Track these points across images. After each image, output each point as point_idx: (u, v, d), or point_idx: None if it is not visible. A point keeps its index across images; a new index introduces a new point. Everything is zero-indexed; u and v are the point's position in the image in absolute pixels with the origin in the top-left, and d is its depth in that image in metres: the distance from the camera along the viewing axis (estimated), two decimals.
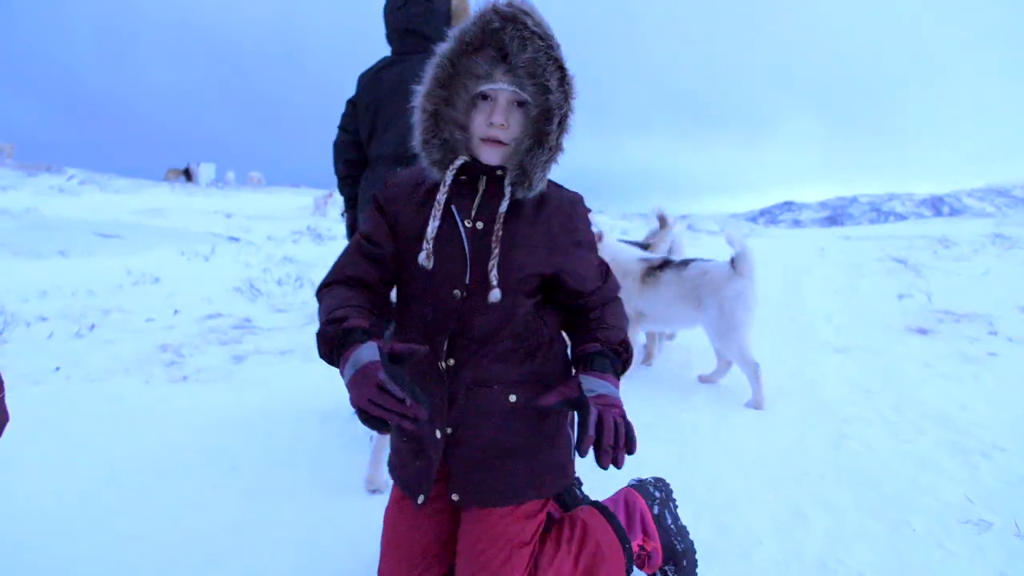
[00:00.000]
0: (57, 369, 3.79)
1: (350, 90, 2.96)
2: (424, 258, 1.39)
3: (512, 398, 1.47)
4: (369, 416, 1.17)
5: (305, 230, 11.99)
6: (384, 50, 2.95)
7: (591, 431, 1.27)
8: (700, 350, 4.27)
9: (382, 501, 2.25)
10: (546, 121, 1.39)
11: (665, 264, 3.69)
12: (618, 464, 1.26)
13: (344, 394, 3.33)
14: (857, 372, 3.78)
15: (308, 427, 2.99)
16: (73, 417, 3.06)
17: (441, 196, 1.41)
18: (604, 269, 1.60)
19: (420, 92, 1.44)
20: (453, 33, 1.40)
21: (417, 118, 1.45)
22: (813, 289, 6.45)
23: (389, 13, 2.82)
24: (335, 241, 10.35)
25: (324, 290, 1.46)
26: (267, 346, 4.35)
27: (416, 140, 1.45)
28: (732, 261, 3.45)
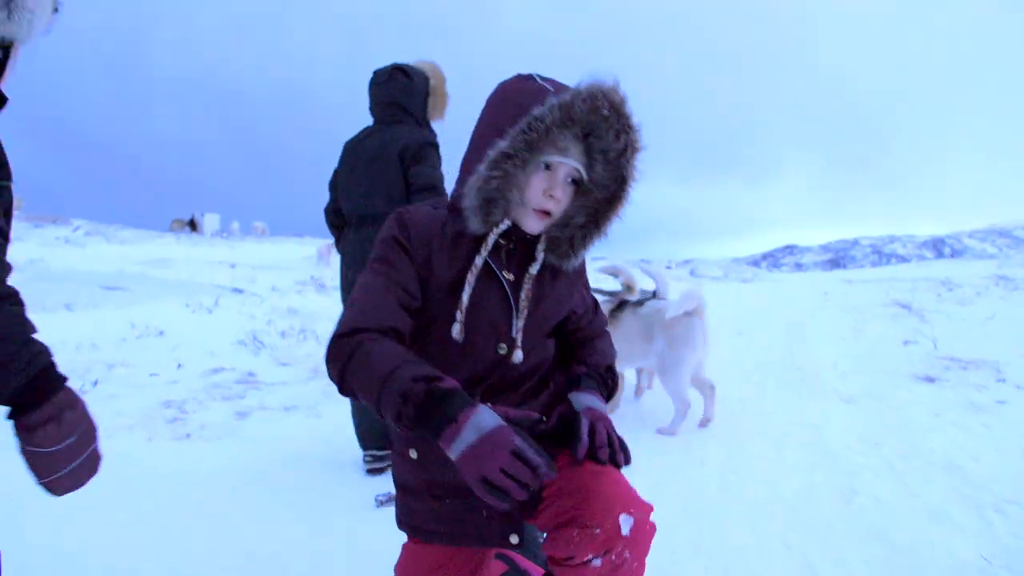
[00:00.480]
0: None
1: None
2: (457, 332, 1.37)
3: None
4: (494, 487, 1.07)
5: (309, 280, 12.07)
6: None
7: (584, 437, 1.31)
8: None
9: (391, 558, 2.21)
10: (610, 206, 1.42)
11: (623, 304, 3.97)
12: (618, 463, 1.31)
13: (350, 450, 3.33)
14: (864, 421, 3.75)
15: (312, 485, 2.96)
16: None
17: (480, 259, 1.39)
18: (595, 303, 1.66)
19: (501, 144, 1.34)
20: (556, 103, 1.33)
21: (482, 166, 1.35)
22: (818, 335, 6.45)
23: (374, 86, 3.10)
24: (339, 291, 10.39)
25: (363, 336, 1.28)
26: (271, 401, 4.33)
27: (472, 184, 1.36)
28: (655, 293, 3.97)
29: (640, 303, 3.94)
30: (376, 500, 2.76)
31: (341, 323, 1.32)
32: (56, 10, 1.17)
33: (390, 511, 2.65)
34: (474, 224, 1.38)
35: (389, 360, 1.22)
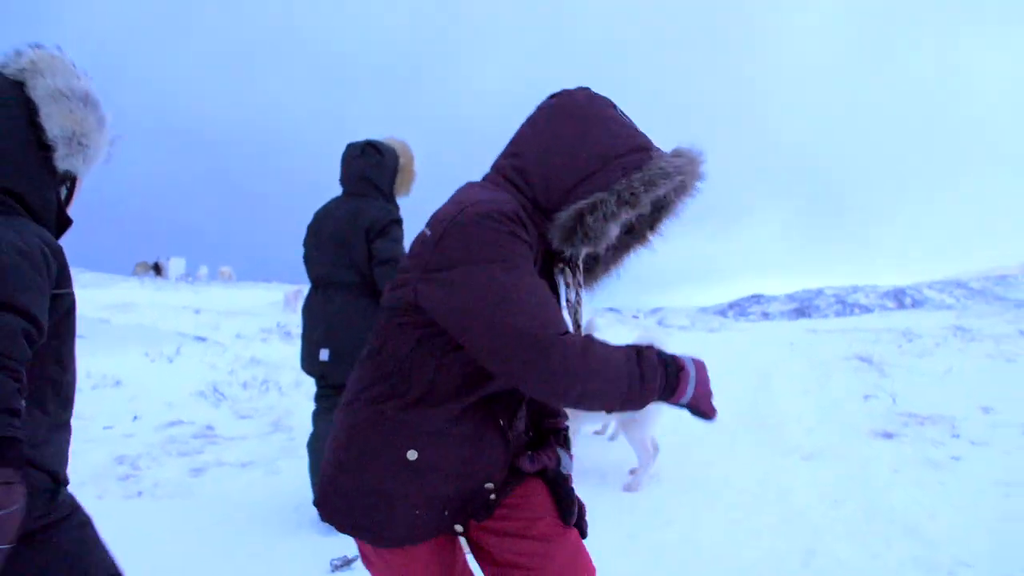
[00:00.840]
0: None
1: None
2: None
3: None
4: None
5: (274, 327, 11.89)
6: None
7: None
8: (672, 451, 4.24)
9: None
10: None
11: None
12: (584, 531, 1.45)
13: (307, 508, 3.25)
14: (826, 479, 3.77)
15: (267, 547, 2.88)
16: None
17: (563, 280, 1.44)
18: None
19: (623, 183, 1.30)
20: (677, 175, 1.33)
21: (604, 192, 1.30)
22: (782, 388, 6.52)
23: (347, 159, 3.28)
24: None
25: (576, 337, 1.25)
26: (228, 457, 4.22)
27: (576, 203, 1.32)
28: None
29: None
30: (331, 564, 2.69)
31: (546, 331, 1.21)
32: (111, 144, 1.33)
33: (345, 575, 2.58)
34: (556, 240, 1.33)
35: (613, 349, 1.26)
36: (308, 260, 3.32)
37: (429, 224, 1.35)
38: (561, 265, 1.43)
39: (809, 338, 13.47)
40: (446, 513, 1.37)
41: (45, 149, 1.24)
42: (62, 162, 1.26)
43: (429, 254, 1.28)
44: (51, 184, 1.28)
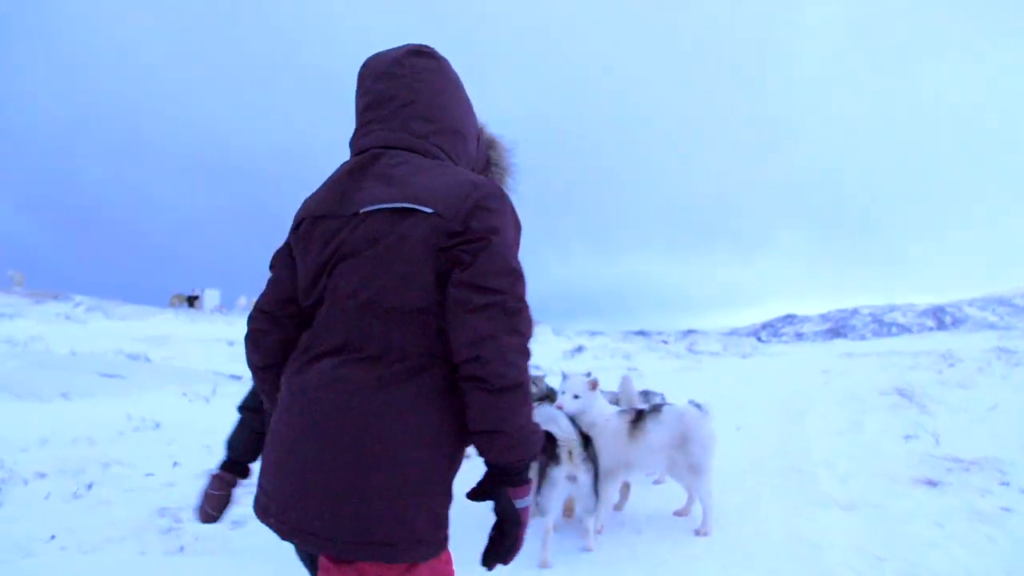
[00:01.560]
0: (52, 538, 3.72)
1: None
2: None
3: None
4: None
5: None
6: None
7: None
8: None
9: None
10: None
11: (640, 414, 3.90)
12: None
13: None
14: (864, 534, 3.69)
15: None
16: None
17: None
18: None
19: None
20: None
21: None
22: (815, 429, 6.40)
23: None
24: None
25: None
26: None
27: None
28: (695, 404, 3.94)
29: (657, 410, 3.92)
30: None
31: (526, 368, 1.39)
32: None
33: None
34: None
35: None
36: None
37: (424, 202, 1.38)
38: None
39: (844, 364, 13.23)
40: None
41: None
42: None
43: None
44: None
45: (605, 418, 3.84)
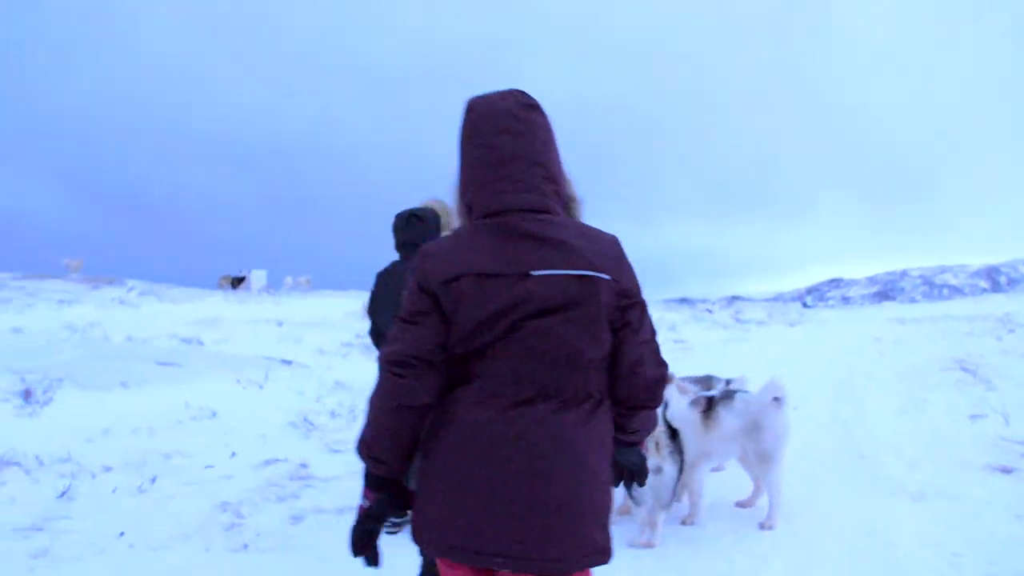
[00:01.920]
0: (121, 534, 3.81)
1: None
2: None
3: None
4: None
5: (354, 339, 12.19)
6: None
7: None
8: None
9: None
10: None
11: (711, 401, 3.91)
12: None
13: (406, 557, 3.24)
14: (937, 527, 3.55)
15: None
16: None
17: None
18: None
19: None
20: None
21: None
22: (874, 408, 6.22)
23: (396, 229, 3.75)
24: None
25: None
26: (325, 502, 4.33)
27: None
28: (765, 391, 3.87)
29: (729, 397, 3.93)
30: None
31: None
32: None
33: None
34: None
35: None
36: (373, 314, 3.75)
37: (601, 269, 1.61)
38: None
39: (896, 331, 12.81)
40: None
41: None
42: None
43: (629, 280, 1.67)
44: None
45: (680, 409, 3.83)
